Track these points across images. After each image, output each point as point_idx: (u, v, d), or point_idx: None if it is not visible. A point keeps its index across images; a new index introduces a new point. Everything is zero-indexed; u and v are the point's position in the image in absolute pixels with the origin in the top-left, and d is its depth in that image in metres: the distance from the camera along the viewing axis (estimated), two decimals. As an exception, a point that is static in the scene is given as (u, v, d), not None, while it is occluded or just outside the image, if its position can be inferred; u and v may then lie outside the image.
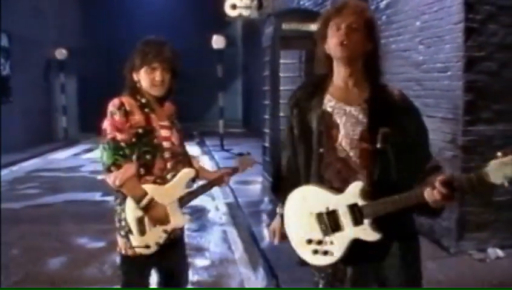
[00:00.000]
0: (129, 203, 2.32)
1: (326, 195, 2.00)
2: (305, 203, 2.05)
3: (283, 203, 2.16)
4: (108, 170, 2.27)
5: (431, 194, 1.74)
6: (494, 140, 4.27)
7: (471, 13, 4.12)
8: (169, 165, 2.44)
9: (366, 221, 1.91)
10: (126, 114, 2.32)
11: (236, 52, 17.30)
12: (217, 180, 2.72)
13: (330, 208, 1.98)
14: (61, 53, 14.99)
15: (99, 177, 8.87)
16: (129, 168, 2.27)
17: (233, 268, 4.52)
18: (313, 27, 7.25)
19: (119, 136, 2.29)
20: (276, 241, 2.27)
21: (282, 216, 2.16)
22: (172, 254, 2.55)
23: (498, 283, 3.84)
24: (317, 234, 2.01)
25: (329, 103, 2.03)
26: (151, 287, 2.62)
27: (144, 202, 2.29)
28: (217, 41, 11.57)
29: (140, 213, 2.32)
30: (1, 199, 7.03)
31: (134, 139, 2.33)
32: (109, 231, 5.37)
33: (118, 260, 2.55)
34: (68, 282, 4.20)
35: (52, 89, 15.68)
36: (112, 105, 2.35)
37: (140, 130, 2.35)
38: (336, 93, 2.04)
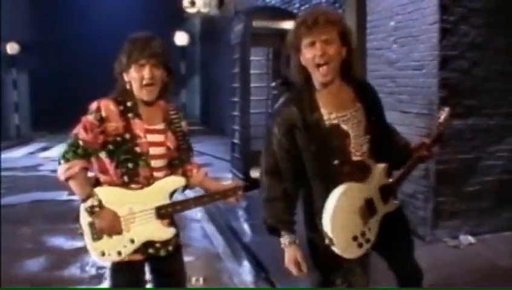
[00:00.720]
0: (81, 206, 2.21)
1: (361, 187, 2.14)
2: (350, 202, 2.10)
3: (291, 229, 2.19)
4: (59, 162, 2.18)
5: (429, 154, 2.30)
6: (465, 133, 4.56)
7: (446, 15, 4.36)
8: (158, 174, 2.27)
9: (391, 196, 2.20)
10: (101, 120, 2.18)
11: (194, 49, 17.21)
12: (219, 195, 2.42)
13: (368, 197, 2.13)
14: (12, 47, 14.40)
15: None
16: (75, 164, 2.14)
17: (219, 263, 4.57)
18: (283, 25, 7.40)
19: (82, 135, 2.17)
20: (304, 269, 2.20)
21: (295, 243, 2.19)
22: (169, 266, 2.42)
23: (472, 267, 4.09)
24: (359, 228, 2.12)
25: (330, 116, 2.12)
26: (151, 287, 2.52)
27: (88, 204, 2.15)
28: (180, 38, 11.46)
29: (88, 217, 2.18)
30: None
31: (111, 147, 2.21)
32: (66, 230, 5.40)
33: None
34: (51, 284, 4.11)
35: (4, 85, 15.04)
36: (90, 107, 2.22)
37: (118, 138, 2.20)
38: (330, 105, 2.13)
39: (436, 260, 4.25)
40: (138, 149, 2.22)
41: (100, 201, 2.17)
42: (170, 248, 2.34)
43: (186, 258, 4.51)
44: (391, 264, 2.45)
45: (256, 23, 7.23)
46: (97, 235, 2.20)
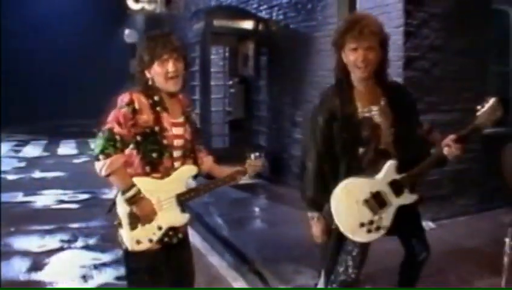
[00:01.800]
0: (119, 197, 2.29)
1: (366, 182, 2.41)
2: (350, 195, 2.40)
3: (318, 206, 2.49)
4: (97, 158, 2.21)
5: (451, 151, 2.28)
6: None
7: (409, 19, 4.75)
8: (176, 163, 2.39)
9: (406, 189, 2.40)
10: (134, 112, 2.25)
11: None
12: (227, 179, 2.59)
13: (374, 191, 2.38)
14: None
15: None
16: (117, 159, 2.21)
17: (201, 258, 4.64)
18: (242, 24, 7.59)
19: (116, 129, 2.21)
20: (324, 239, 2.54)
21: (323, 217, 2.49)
22: (180, 253, 2.52)
23: (436, 249, 4.48)
24: (367, 216, 2.40)
25: (364, 109, 2.42)
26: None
27: (129, 194, 2.23)
28: (129, 36, 11.28)
29: (128, 208, 2.27)
30: None
31: (139, 138, 2.28)
32: (50, 231, 5.30)
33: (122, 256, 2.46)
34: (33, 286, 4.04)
35: None
36: (121, 100, 2.28)
37: (148, 130, 2.28)
38: (365, 99, 2.43)
39: (395, 246, 4.62)
40: (165, 141, 2.32)
41: (140, 191, 2.25)
42: (180, 235, 2.45)
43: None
44: (402, 243, 2.70)
45: (216, 22, 7.36)
46: (135, 224, 2.28)
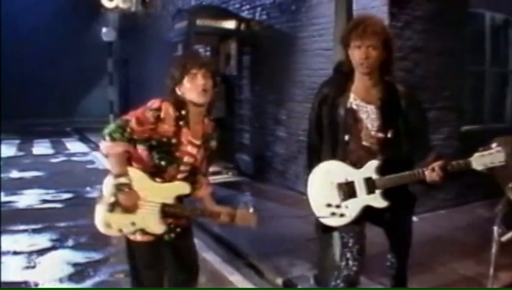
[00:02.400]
0: (109, 177, 2.40)
1: (347, 169, 2.54)
2: (328, 174, 2.56)
3: None
4: (103, 138, 2.34)
5: (430, 174, 2.39)
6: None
7: (394, 21, 4.95)
8: (179, 176, 2.47)
9: (377, 191, 2.48)
10: (158, 119, 2.33)
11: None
12: (213, 214, 2.57)
13: (349, 179, 2.53)
14: None
15: None
16: (120, 145, 2.31)
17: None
18: (225, 24, 7.69)
19: (133, 123, 2.30)
20: None
21: None
22: (179, 245, 2.61)
23: (418, 240, 4.70)
24: (335, 199, 2.54)
25: (354, 102, 2.55)
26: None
27: (120, 181, 2.32)
28: (107, 34, 11.20)
29: (113, 190, 2.37)
30: None
31: (154, 143, 2.38)
32: (38, 231, 5.28)
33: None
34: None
35: None
36: (151, 104, 2.36)
37: (165, 139, 2.38)
38: (359, 93, 2.55)
39: (380, 236, 4.82)
40: (177, 154, 2.43)
41: (130, 182, 2.34)
42: (178, 230, 2.55)
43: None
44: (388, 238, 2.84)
45: (200, 22, 7.42)
46: (113, 208, 2.37)
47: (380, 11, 4.99)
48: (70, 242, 5.03)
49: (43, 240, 5.07)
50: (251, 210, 2.62)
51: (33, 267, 4.35)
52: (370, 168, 2.49)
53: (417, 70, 5.15)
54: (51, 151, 11.77)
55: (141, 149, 2.41)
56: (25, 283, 4.01)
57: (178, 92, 2.41)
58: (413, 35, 5.10)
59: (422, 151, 2.53)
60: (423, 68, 5.19)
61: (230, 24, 7.70)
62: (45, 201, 6.82)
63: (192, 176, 2.54)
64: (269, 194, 6.75)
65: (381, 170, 2.47)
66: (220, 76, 2.58)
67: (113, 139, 2.29)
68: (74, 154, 11.30)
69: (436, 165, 2.37)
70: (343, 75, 2.62)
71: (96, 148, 12.08)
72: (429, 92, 5.27)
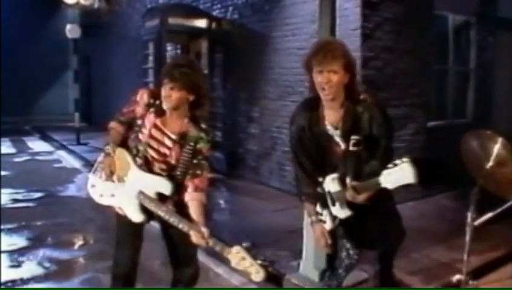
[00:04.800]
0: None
1: (332, 181, 2.71)
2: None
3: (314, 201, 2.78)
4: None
5: (349, 193, 2.56)
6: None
7: (366, 22, 5.20)
8: (156, 166, 2.64)
9: (337, 203, 2.67)
10: (134, 102, 2.70)
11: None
12: (190, 226, 2.54)
13: (328, 190, 2.73)
14: None
15: None
16: (114, 125, 2.78)
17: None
18: (196, 23, 7.77)
19: (124, 108, 2.78)
20: (329, 242, 2.77)
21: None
22: (172, 237, 2.74)
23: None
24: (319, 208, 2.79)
25: (328, 127, 2.68)
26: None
27: (107, 148, 2.73)
28: (72, 31, 11.00)
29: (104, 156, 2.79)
30: None
31: (132, 123, 2.72)
32: (16, 230, 5.23)
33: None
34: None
35: None
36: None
37: (137, 121, 2.69)
38: (329, 119, 2.69)
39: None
40: (140, 136, 2.67)
41: (113, 152, 2.71)
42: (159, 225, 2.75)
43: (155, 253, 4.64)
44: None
45: (171, 20, 7.47)
46: (95, 171, 2.81)
47: (353, 13, 5.23)
48: (50, 240, 5.01)
49: (21, 239, 5.03)
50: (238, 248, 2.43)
51: (18, 266, 4.34)
52: (328, 182, 2.72)
53: (387, 69, 5.42)
54: (13, 150, 11.45)
55: (128, 131, 2.76)
56: (13, 280, 4.00)
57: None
58: (383, 36, 5.37)
59: (383, 161, 2.55)
60: (392, 67, 5.47)
61: (202, 23, 7.78)
62: (16, 200, 6.70)
63: (177, 177, 2.62)
64: (243, 190, 6.91)
65: (338, 183, 2.67)
66: (202, 89, 2.65)
67: (112, 122, 2.80)
68: (38, 154, 11.03)
69: (351, 185, 2.54)
70: (311, 100, 2.73)
71: (60, 147, 11.89)
72: (398, 89, 5.57)
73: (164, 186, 2.59)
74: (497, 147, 2.88)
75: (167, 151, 2.64)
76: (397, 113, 5.56)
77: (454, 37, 6.69)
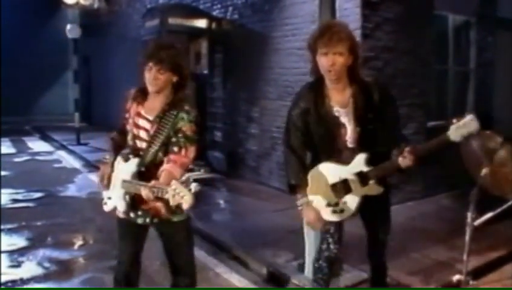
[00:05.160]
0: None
1: (337, 168, 2.71)
2: (322, 176, 2.72)
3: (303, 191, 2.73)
4: None
5: (403, 161, 2.56)
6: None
7: (366, 22, 5.20)
8: (142, 152, 2.65)
9: (371, 181, 2.66)
10: (126, 99, 2.80)
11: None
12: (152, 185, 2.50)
13: (343, 177, 2.69)
14: None
15: None
16: (112, 135, 2.90)
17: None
18: (196, 23, 7.77)
19: (123, 116, 2.82)
20: (320, 225, 2.76)
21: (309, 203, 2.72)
22: (167, 239, 2.75)
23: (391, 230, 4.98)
24: (333, 198, 2.72)
25: (334, 108, 2.68)
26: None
27: (105, 158, 2.83)
28: (72, 31, 11.00)
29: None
30: None
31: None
32: (16, 230, 5.23)
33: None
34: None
35: None
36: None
37: (126, 114, 2.78)
38: (335, 99, 2.69)
39: (360, 229, 5.08)
40: (128, 126, 2.76)
41: (109, 159, 2.78)
42: (147, 219, 2.67)
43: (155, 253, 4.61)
44: (366, 228, 3.04)
45: (172, 20, 7.47)
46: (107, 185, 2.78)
47: (353, 13, 5.23)
48: (50, 240, 5.01)
49: (21, 239, 5.04)
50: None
51: (18, 266, 4.34)
52: (360, 162, 2.66)
53: (387, 69, 5.42)
54: (13, 150, 11.46)
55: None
56: (13, 280, 4.00)
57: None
58: (384, 36, 5.37)
59: (395, 139, 2.68)
60: (392, 67, 5.47)
61: (202, 23, 7.79)
62: (16, 201, 6.71)
63: (151, 154, 2.62)
64: (243, 190, 6.91)
65: (369, 162, 2.64)
66: (191, 75, 2.82)
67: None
68: (37, 154, 11.05)
69: (406, 151, 2.54)
70: (315, 82, 2.72)
71: (60, 147, 11.90)
72: (399, 89, 5.55)
73: (133, 164, 2.62)
74: (496, 147, 2.87)
75: (145, 135, 2.67)
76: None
77: (454, 37, 6.69)
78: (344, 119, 2.68)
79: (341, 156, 2.71)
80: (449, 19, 6.61)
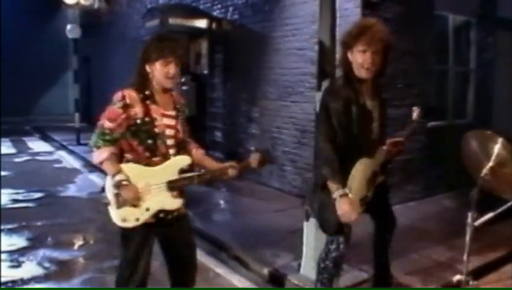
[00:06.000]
0: (109, 179, 2.59)
1: (371, 162, 2.80)
2: (362, 172, 2.77)
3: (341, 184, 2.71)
4: (91, 150, 2.59)
5: (403, 149, 2.89)
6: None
7: (366, 22, 5.19)
8: (171, 151, 2.65)
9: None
10: (126, 106, 2.55)
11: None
12: (218, 172, 2.75)
13: (374, 170, 2.81)
14: None
15: None
16: (106, 151, 2.53)
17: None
18: (196, 23, 7.77)
19: (107, 124, 2.53)
20: (355, 217, 2.71)
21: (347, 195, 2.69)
22: (175, 229, 2.75)
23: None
24: (365, 192, 2.80)
25: (367, 102, 2.78)
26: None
27: (117, 179, 2.51)
28: (72, 31, 11.00)
29: (114, 190, 2.55)
30: None
31: (133, 128, 2.57)
32: (15, 230, 5.23)
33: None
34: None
35: None
36: (115, 97, 2.57)
37: (139, 121, 2.57)
38: (367, 94, 2.79)
39: (360, 229, 5.08)
40: (156, 130, 2.61)
41: (127, 177, 2.53)
42: (175, 214, 2.70)
43: (154, 254, 4.61)
44: (372, 217, 3.10)
45: (172, 21, 7.47)
46: (120, 205, 2.55)
47: (354, 13, 5.23)
48: (50, 241, 5.01)
49: (21, 239, 5.03)
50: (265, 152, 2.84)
51: (18, 266, 4.34)
52: (382, 154, 2.84)
53: (387, 70, 5.40)
54: (13, 150, 11.45)
55: (129, 138, 2.61)
56: (12, 281, 4.00)
57: (148, 69, 2.61)
58: (384, 36, 5.36)
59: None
60: (392, 67, 5.40)
61: (202, 23, 7.79)
62: (16, 201, 6.70)
63: (183, 148, 2.72)
64: (244, 190, 6.90)
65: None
66: (191, 75, 2.82)
67: (98, 148, 2.54)
68: (38, 154, 11.04)
69: (388, 143, 2.89)
70: (348, 77, 2.76)
71: (60, 147, 11.89)
72: (399, 90, 5.56)
73: (182, 161, 2.66)
74: (497, 147, 2.88)
75: (177, 128, 2.69)
76: (397, 113, 5.51)
77: (454, 37, 6.69)
78: (374, 113, 2.79)
79: (369, 151, 2.79)
80: (449, 19, 6.60)
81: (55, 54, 18.08)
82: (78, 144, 11.55)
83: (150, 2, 10.21)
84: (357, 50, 2.64)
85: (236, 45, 7.55)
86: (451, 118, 6.66)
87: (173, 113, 2.69)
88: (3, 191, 7.06)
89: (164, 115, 2.64)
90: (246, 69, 7.37)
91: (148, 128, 2.59)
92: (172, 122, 2.68)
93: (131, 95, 2.56)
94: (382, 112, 2.86)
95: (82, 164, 9.62)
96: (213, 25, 7.80)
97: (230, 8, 7.64)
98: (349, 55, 2.70)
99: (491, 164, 2.90)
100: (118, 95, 2.56)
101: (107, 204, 2.59)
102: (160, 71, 2.59)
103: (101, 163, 2.55)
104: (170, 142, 2.66)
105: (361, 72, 2.68)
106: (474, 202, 3.12)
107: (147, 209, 2.58)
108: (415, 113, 3.09)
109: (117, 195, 2.54)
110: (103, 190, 2.62)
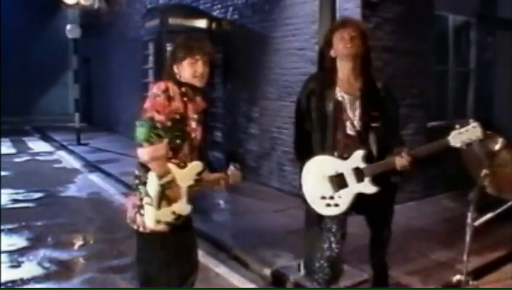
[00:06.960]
0: (152, 178, 2.43)
1: (335, 161, 2.76)
2: (319, 168, 2.78)
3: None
4: (141, 145, 2.35)
5: (399, 160, 2.60)
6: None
7: (366, 22, 5.18)
8: (192, 155, 2.58)
9: (366, 179, 2.68)
10: (169, 98, 2.41)
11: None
12: (214, 182, 2.74)
13: (339, 171, 2.74)
14: None
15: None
16: (161, 147, 2.36)
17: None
18: (196, 23, 7.76)
19: (157, 117, 2.36)
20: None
21: None
22: (184, 237, 2.69)
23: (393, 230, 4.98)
24: (328, 192, 2.76)
25: (339, 94, 2.79)
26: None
27: (166, 179, 2.40)
28: (72, 31, 11.00)
29: (159, 189, 2.43)
30: None
31: (169, 123, 2.42)
32: (15, 230, 5.24)
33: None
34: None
35: None
36: (157, 88, 2.43)
37: (177, 116, 2.45)
38: (343, 86, 2.80)
39: (360, 229, 5.08)
40: (188, 129, 2.52)
41: (174, 177, 2.43)
42: (184, 219, 2.61)
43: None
44: (369, 226, 3.06)
45: (172, 21, 7.46)
46: (160, 205, 2.44)
47: (354, 13, 5.22)
48: (50, 241, 5.01)
49: (21, 239, 5.04)
50: (235, 168, 2.74)
51: (18, 266, 4.34)
52: (357, 158, 2.68)
53: (387, 69, 5.41)
54: (13, 150, 11.46)
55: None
56: (12, 281, 4.00)
57: (175, 69, 2.54)
58: (384, 36, 5.37)
59: (395, 139, 2.79)
60: (392, 67, 5.46)
61: (202, 23, 7.77)
62: (16, 201, 6.71)
63: (200, 153, 2.62)
64: (243, 191, 6.86)
65: (366, 159, 2.67)
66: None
67: (151, 143, 2.33)
68: (38, 154, 11.04)
69: (404, 151, 2.60)
70: (327, 71, 2.84)
71: (60, 147, 11.89)
72: (399, 90, 5.50)
73: (197, 167, 2.56)
74: (497, 147, 2.88)
75: (199, 133, 2.60)
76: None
77: (454, 37, 6.69)
78: (346, 106, 2.75)
79: (339, 145, 2.76)
80: (449, 19, 6.61)
81: (55, 54, 18.08)
82: (79, 144, 11.55)
83: (151, 2, 10.21)
84: (337, 40, 2.74)
85: (236, 45, 7.55)
86: (451, 118, 6.66)
87: (197, 117, 2.60)
88: (3, 191, 7.07)
89: (192, 118, 2.56)
90: (246, 69, 7.37)
91: (181, 127, 2.49)
92: (195, 125, 2.59)
93: (173, 88, 2.45)
94: (366, 111, 2.73)
95: (82, 164, 9.62)
96: (213, 25, 7.79)
97: (230, 8, 7.64)
98: (331, 53, 2.81)
99: (491, 164, 2.90)
100: (161, 86, 2.42)
101: (140, 207, 2.48)
102: (188, 70, 2.51)
103: (153, 160, 2.37)
104: (193, 145, 2.58)
105: (344, 53, 2.75)
106: (474, 202, 3.13)
107: (173, 213, 2.49)
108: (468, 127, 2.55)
109: (161, 196, 2.42)
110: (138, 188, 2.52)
